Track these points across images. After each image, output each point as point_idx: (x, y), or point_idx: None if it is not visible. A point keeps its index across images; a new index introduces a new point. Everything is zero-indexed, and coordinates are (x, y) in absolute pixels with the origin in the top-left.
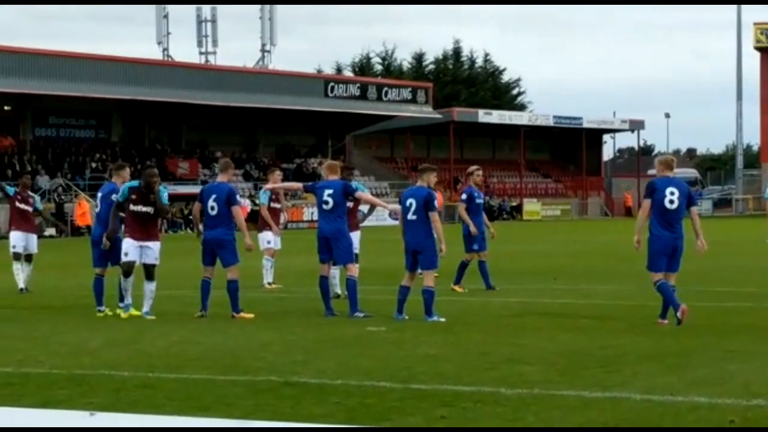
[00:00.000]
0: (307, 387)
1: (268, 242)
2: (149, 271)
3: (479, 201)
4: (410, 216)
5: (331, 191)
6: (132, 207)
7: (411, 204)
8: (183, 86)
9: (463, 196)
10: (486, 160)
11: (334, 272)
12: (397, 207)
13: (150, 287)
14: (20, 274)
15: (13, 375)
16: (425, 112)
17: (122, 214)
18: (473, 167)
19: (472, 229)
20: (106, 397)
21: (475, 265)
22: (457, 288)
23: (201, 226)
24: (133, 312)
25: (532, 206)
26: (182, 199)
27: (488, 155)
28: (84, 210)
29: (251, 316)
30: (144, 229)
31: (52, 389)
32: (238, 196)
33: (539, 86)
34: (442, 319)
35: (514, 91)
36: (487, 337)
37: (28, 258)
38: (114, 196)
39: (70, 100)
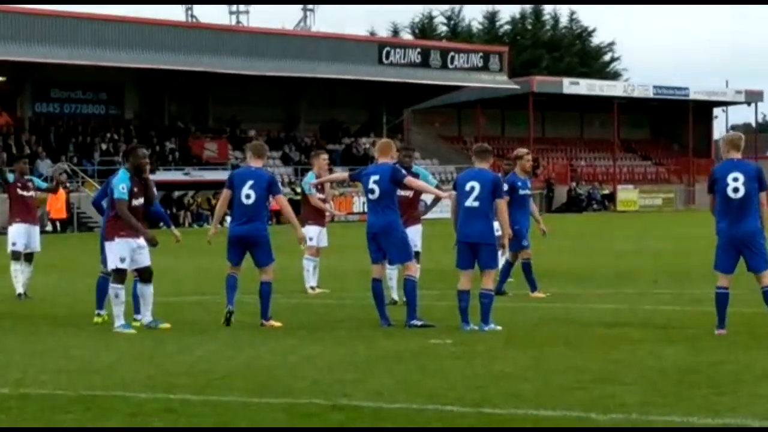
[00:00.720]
0: (359, 411)
1: (311, 239)
2: (149, 272)
3: (524, 192)
4: (470, 203)
5: (377, 177)
6: (134, 202)
7: (473, 188)
8: (210, 52)
9: (504, 187)
10: (572, 139)
11: (390, 274)
12: (448, 194)
13: (150, 290)
14: (19, 276)
15: (9, 397)
16: (499, 81)
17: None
18: (522, 150)
19: (505, 230)
20: (121, 422)
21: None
22: (537, 294)
23: (218, 221)
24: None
25: (627, 194)
26: (209, 187)
27: (575, 133)
28: (61, 202)
29: (279, 324)
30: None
31: (57, 413)
32: (280, 185)
33: (636, 51)
34: (499, 328)
35: (606, 57)
36: (573, 351)
37: (29, 257)
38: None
39: (76, 70)
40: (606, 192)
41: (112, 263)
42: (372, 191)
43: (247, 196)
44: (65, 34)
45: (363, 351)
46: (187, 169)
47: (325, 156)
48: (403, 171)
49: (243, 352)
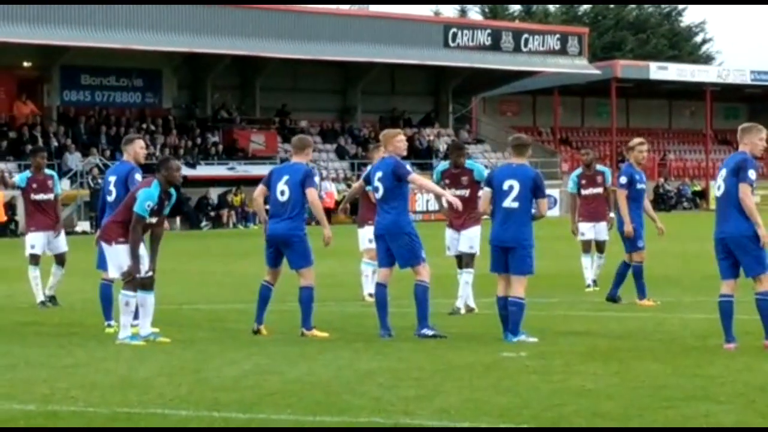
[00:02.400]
0: None
1: (370, 240)
2: (151, 281)
3: (641, 186)
4: (508, 203)
5: (380, 174)
6: (150, 219)
7: (511, 187)
8: (257, 34)
9: (622, 180)
10: (660, 130)
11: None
12: (455, 200)
13: (152, 300)
14: (39, 283)
15: (36, 414)
16: (578, 66)
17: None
18: (637, 140)
19: (627, 227)
20: None
21: (611, 269)
22: (645, 302)
23: (263, 218)
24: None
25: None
26: (257, 183)
27: (663, 123)
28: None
29: (325, 335)
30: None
31: None
32: (317, 179)
33: (732, 31)
34: (532, 339)
35: (698, 38)
36: (662, 366)
37: (60, 259)
38: (138, 176)
39: (109, 55)
40: (697, 188)
41: (116, 271)
42: (377, 189)
43: (282, 193)
44: (97, 14)
45: (427, 365)
46: (231, 163)
47: (382, 151)
48: (407, 165)
49: (295, 366)
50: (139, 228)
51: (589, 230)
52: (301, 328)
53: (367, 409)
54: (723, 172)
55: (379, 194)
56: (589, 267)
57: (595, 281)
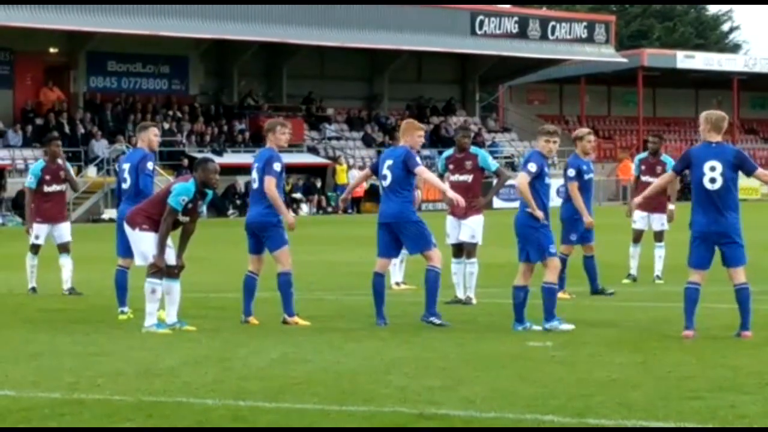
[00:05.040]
0: (448, 421)
1: None
2: (179, 269)
3: (589, 176)
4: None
5: (390, 162)
6: (181, 217)
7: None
8: (283, 21)
9: (570, 172)
10: (687, 119)
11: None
12: (458, 197)
13: (178, 287)
14: (35, 271)
15: (63, 402)
16: (605, 54)
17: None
18: (584, 130)
19: (587, 219)
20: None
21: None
22: (562, 295)
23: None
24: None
25: (749, 181)
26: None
27: (689, 112)
28: None
29: (307, 323)
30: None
31: (116, 421)
32: (276, 164)
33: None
34: (566, 327)
35: (725, 27)
36: (688, 356)
37: (65, 248)
38: (150, 164)
39: (135, 41)
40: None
41: (140, 259)
42: (384, 177)
43: (254, 180)
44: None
45: (454, 354)
46: (258, 151)
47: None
48: (417, 159)
49: (322, 355)
50: (170, 220)
51: (641, 219)
52: (283, 315)
53: (393, 399)
54: (717, 165)
55: (387, 182)
56: (636, 257)
57: (658, 276)
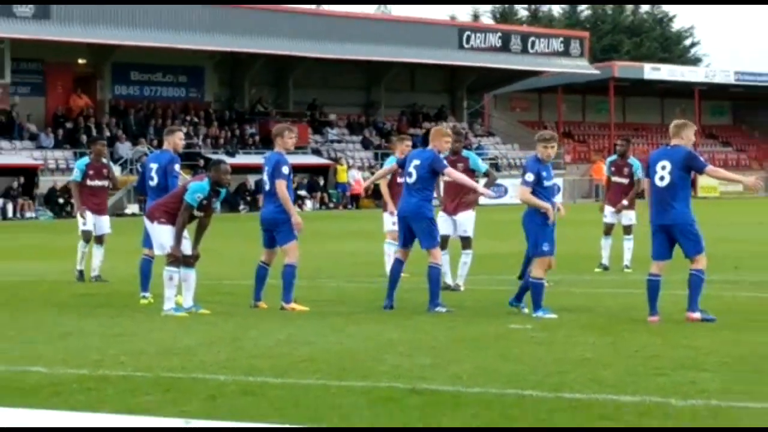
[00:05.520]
0: (438, 396)
1: (394, 223)
2: (194, 258)
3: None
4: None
5: (417, 162)
6: (196, 213)
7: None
8: (290, 36)
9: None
10: (653, 125)
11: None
12: (489, 192)
13: (193, 275)
14: (84, 256)
15: (89, 378)
16: (580, 67)
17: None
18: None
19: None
20: (201, 404)
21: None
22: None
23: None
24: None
25: (708, 181)
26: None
27: (656, 119)
28: None
29: (305, 308)
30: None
31: (137, 395)
32: (284, 168)
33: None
34: (551, 316)
35: (687, 42)
36: (654, 337)
37: (101, 240)
38: (177, 166)
39: (156, 53)
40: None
41: (159, 249)
42: (410, 174)
43: (266, 183)
44: (144, 16)
45: (443, 336)
46: (266, 152)
47: (409, 142)
48: (444, 162)
49: (324, 336)
50: (186, 215)
51: (611, 215)
52: (281, 302)
53: (388, 375)
54: (666, 164)
55: (412, 179)
56: (606, 248)
57: (627, 265)
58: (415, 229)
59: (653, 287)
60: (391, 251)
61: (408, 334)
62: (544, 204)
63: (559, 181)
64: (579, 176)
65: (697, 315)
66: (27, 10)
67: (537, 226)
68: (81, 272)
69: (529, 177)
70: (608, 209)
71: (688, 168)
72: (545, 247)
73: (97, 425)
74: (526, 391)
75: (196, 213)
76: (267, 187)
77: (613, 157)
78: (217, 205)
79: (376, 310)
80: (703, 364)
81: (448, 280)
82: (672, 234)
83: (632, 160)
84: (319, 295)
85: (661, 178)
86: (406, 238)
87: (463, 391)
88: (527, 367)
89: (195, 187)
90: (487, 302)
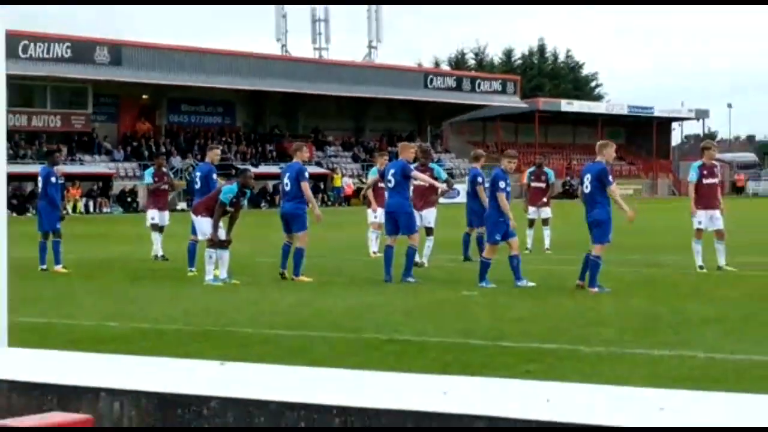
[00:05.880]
0: (408, 344)
1: (375, 217)
2: (227, 243)
3: (509, 188)
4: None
5: (393, 171)
6: (228, 208)
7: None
8: (299, 78)
9: (501, 184)
10: (567, 145)
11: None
12: (443, 187)
13: (227, 255)
14: (158, 243)
15: (150, 330)
16: (513, 102)
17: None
18: (512, 152)
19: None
20: (233, 351)
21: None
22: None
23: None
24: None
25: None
26: None
27: (569, 141)
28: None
29: (310, 279)
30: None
31: (185, 344)
32: (306, 173)
33: (615, 78)
34: (530, 284)
35: (593, 83)
36: (573, 301)
37: (162, 229)
38: (215, 175)
39: (200, 90)
40: None
41: (201, 235)
42: (390, 181)
43: (286, 185)
44: (192, 64)
45: (412, 300)
46: (281, 164)
47: (387, 157)
48: (411, 167)
49: (323, 300)
50: (220, 210)
51: (533, 212)
52: (292, 275)
53: (370, 329)
54: (588, 176)
55: (391, 184)
56: (530, 236)
57: (547, 248)
58: (399, 221)
59: (586, 262)
60: (373, 237)
61: (386, 299)
62: (508, 211)
63: None
64: (513, 182)
65: (595, 289)
66: (104, 58)
67: (495, 222)
68: (156, 256)
69: (502, 184)
70: (531, 208)
71: (600, 181)
72: (497, 237)
73: (155, 366)
74: (473, 341)
75: (228, 209)
76: (288, 189)
77: (533, 168)
78: (245, 202)
79: (362, 280)
80: (605, 321)
81: (417, 258)
82: (590, 226)
83: (547, 170)
84: (323, 269)
85: (586, 187)
86: (393, 228)
87: (427, 341)
88: (475, 324)
89: (227, 189)
90: (445, 276)
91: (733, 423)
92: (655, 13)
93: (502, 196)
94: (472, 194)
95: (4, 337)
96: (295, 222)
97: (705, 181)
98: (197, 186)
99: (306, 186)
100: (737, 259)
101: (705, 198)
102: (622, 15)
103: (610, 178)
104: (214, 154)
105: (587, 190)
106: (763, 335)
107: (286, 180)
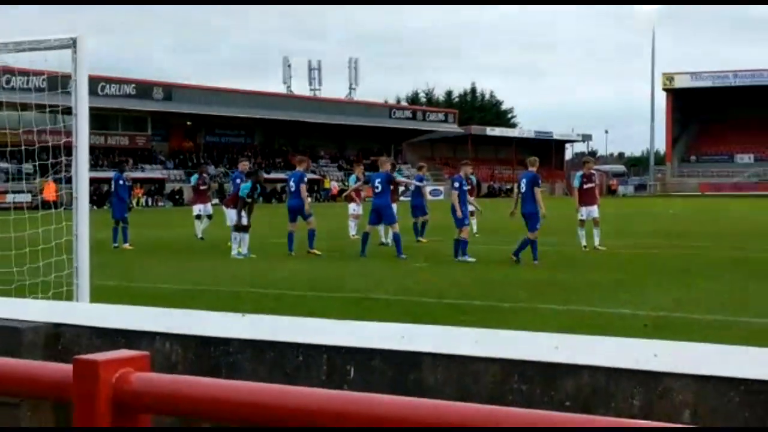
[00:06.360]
0: (378, 301)
1: (353, 210)
2: (246, 228)
3: (467, 189)
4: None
5: (380, 179)
6: (246, 200)
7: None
8: (300, 110)
9: (456, 184)
10: (492, 159)
11: (381, 231)
12: (412, 183)
13: (246, 237)
14: (198, 228)
15: (191, 291)
16: (453, 128)
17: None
18: (468, 165)
19: (459, 213)
20: (250, 306)
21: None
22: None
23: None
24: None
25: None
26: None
27: (493, 156)
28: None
29: (320, 253)
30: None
31: (217, 299)
32: (306, 179)
33: (525, 112)
34: (471, 259)
35: (509, 115)
36: (496, 272)
37: (209, 217)
38: (238, 180)
39: (228, 119)
40: (509, 187)
41: (229, 222)
42: (377, 186)
43: (291, 187)
44: (223, 100)
45: (378, 269)
46: (287, 172)
47: (362, 167)
48: (394, 176)
49: (316, 269)
50: (241, 203)
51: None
52: (308, 249)
53: (348, 289)
54: (524, 181)
55: (378, 189)
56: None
57: (476, 233)
58: (383, 215)
59: (524, 243)
60: (352, 224)
61: (360, 268)
62: (459, 209)
63: (441, 188)
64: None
65: (536, 262)
66: (159, 95)
67: (455, 215)
68: (198, 237)
69: (456, 185)
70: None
71: (533, 184)
72: (466, 222)
73: (195, 317)
74: (424, 299)
75: (247, 200)
76: (293, 189)
77: (462, 177)
78: (260, 199)
79: (345, 255)
80: (519, 284)
81: (383, 239)
82: (524, 218)
83: (472, 177)
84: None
85: (522, 188)
86: (376, 220)
87: (391, 299)
88: (423, 286)
89: (244, 186)
90: (405, 252)
91: (612, 363)
92: (556, 64)
93: (455, 196)
94: (416, 193)
95: (86, 295)
96: (301, 212)
97: (585, 185)
98: (232, 186)
99: (303, 188)
100: (609, 242)
101: (585, 198)
102: (531, 65)
103: (540, 182)
104: (242, 165)
105: (523, 191)
106: (630, 296)
107: (291, 183)
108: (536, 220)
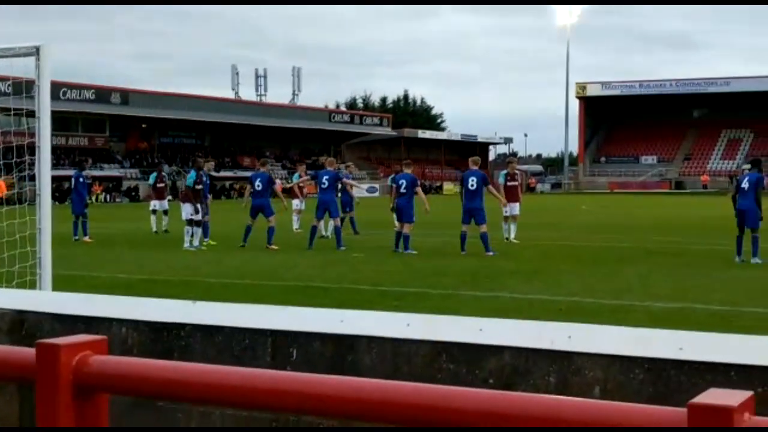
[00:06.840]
0: (318, 288)
1: (296, 206)
2: (201, 223)
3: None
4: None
5: (328, 177)
6: (197, 187)
7: (473, 181)
8: (247, 114)
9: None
10: (424, 160)
11: (321, 225)
12: (357, 185)
13: (200, 230)
14: (154, 222)
15: (146, 280)
16: (387, 131)
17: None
18: (410, 164)
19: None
20: (202, 293)
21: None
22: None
23: (247, 198)
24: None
25: (448, 186)
26: (246, 180)
27: (424, 157)
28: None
29: (276, 248)
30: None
31: (168, 288)
32: (274, 177)
33: (452, 116)
34: (413, 252)
35: (439, 120)
36: (426, 261)
37: (165, 213)
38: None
39: (181, 121)
40: (438, 184)
41: (185, 216)
42: (324, 183)
43: (258, 186)
44: (176, 104)
45: (320, 260)
46: (235, 170)
47: (304, 166)
48: (341, 175)
49: (262, 260)
50: (188, 192)
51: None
52: (267, 244)
53: (292, 278)
54: (474, 178)
55: (325, 186)
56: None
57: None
58: (330, 210)
59: (463, 237)
60: (295, 219)
61: (303, 259)
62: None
63: (377, 185)
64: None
65: (490, 253)
66: (117, 100)
67: (410, 208)
68: (153, 231)
69: (402, 182)
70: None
71: (484, 182)
72: (414, 218)
73: (150, 304)
74: (360, 286)
75: (196, 188)
76: (259, 188)
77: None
78: (209, 196)
79: (289, 247)
80: (447, 273)
81: (323, 233)
82: (473, 213)
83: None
84: (262, 241)
85: (472, 185)
86: (322, 214)
87: (330, 287)
88: (361, 275)
89: (189, 176)
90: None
91: (530, 344)
92: (482, 73)
93: (420, 191)
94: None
95: (49, 284)
96: (266, 210)
97: (509, 183)
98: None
99: (280, 185)
100: (528, 234)
101: (508, 195)
102: (459, 74)
103: (488, 181)
104: (208, 164)
105: (473, 188)
106: (546, 283)
107: (258, 183)
108: (484, 213)
